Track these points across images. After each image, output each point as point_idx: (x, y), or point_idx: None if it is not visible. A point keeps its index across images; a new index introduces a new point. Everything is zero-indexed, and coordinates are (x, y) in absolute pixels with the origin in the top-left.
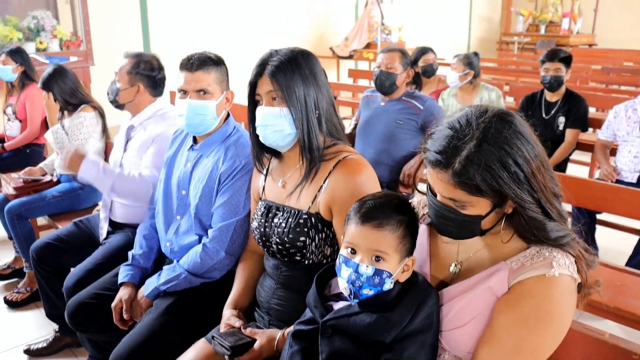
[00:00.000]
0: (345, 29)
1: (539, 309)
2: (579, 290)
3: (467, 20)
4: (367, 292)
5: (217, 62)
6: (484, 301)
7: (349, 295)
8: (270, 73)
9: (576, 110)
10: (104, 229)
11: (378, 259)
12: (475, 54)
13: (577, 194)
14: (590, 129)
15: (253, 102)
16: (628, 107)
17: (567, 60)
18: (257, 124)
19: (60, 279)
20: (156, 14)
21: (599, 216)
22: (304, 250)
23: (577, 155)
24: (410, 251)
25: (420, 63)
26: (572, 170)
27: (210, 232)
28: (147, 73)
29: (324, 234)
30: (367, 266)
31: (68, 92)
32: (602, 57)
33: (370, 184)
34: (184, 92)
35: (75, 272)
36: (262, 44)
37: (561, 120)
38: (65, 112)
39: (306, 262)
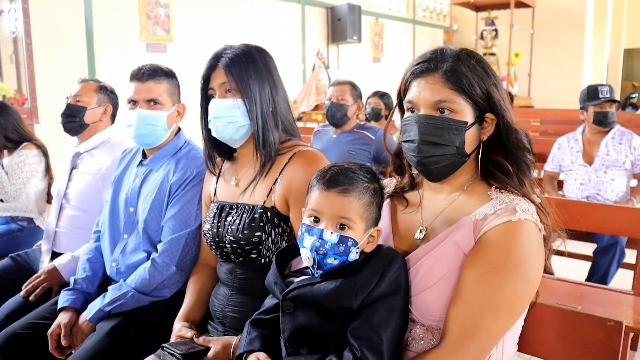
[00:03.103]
0: (293, 92)
1: (508, 256)
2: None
3: None
4: (332, 261)
5: (168, 74)
6: (452, 257)
7: (312, 266)
8: (224, 65)
9: None
10: (45, 262)
11: (343, 226)
12: None
13: None
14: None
15: (206, 97)
16: (570, 138)
17: None
18: (210, 117)
19: None
20: (104, 75)
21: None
22: (260, 247)
23: None
24: (375, 221)
25: (368, 104)
26: None
27: (159, 246)
28: (112, 96)
29: (280, 229)
30: (331, 233)
31: (10, 128)
32: (540, 115)
33: None
34: (134, 102)
35: (8, 304)
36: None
37: None
38: (5, 151)
39: (262, 260)
